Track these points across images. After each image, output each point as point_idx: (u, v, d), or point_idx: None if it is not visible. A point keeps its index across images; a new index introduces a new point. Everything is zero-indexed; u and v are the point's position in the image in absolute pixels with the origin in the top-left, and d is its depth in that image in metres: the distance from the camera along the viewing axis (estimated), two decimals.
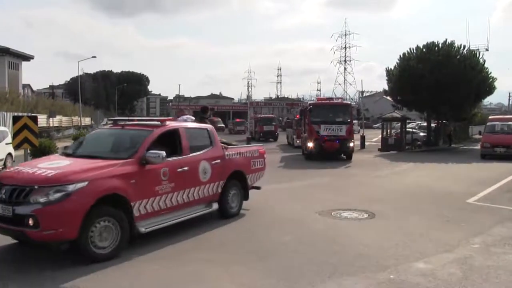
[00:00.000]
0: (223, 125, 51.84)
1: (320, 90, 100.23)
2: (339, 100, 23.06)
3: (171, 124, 6.87)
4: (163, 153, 5.88)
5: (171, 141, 6.66)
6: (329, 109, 19.68)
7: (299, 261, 5.34)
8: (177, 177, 6.32)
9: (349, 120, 19.22)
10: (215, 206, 7.28)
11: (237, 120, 51.97)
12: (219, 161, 7.28)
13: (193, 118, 8.26)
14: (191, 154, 6.74)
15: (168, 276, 4.87)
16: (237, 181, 7.84)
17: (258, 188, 8.61)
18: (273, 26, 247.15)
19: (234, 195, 7.75)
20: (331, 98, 23.31)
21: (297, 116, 25.16)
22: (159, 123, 6.74)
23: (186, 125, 7.32)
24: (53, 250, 5.24)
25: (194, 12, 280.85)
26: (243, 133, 48.12)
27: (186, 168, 6.50)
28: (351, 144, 18.79)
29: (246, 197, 8.11)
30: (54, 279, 4.70)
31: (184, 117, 8.16)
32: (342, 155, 19.14)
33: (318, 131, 18.55)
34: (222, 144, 7.75)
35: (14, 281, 4.69)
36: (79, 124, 42.56)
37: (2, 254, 5.77)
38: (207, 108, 9.64)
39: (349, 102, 22.36)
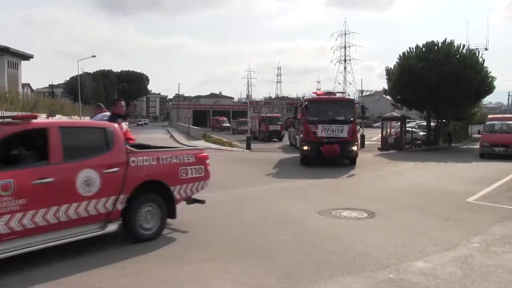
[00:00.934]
0: (228, 125, 51.80)
1: (319, 90, 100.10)
2: (341, 95, 19.84)
3: (37, 122, 5.51)
4: None
5: (35, 145, 5.48)
6: (328, 106, 16.92)
7: (299, 260, 5.34)
8: (33, 191, 4.88)
9: (352, 119, 16.35)
10: (112, 226, 5.69)
11: (240, 119, 50.19)
12: (117, 169, 5.67)
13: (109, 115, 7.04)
14: (65, 161, 5.25)
15: (169, 275, 4.87)
16: (156, 194, 6.22)
17: (201, 202, 6.96)
18: (273, 25, 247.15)
19: (148, 213, 6.09)
20: (332, 93, 19.28)
21: (300, 115, 20.49)
22: (18, 120, 5.45)
23: (63, 123, 6.14)
24: None
25: (195, 11, 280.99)
26: (226, 129, 48.04)
27: (50, 179, 5.02)
28: (355, 148, 16.14)
29: (172, 214, 6.40)
30: (49, 276, 4.71)
31: (100, 115, 7.19)
32: (345, 160, 16.59)
33: (315, 132, 15.88)
34: (134, 149, 6.16)
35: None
36: None
37: None
38: (118, 103, 7.30)
39: (352, 98, 18.49)
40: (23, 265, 4.99)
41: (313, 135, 15.88)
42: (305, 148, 16.21)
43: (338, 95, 19.32)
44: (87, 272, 4.87)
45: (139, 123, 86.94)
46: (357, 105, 17.43)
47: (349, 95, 26.91)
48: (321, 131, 15.69)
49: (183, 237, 6.41)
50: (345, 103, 17.45)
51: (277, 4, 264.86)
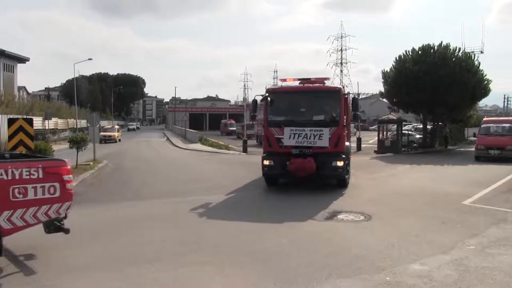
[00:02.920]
0: (234, 129, 51.66)
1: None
2: (323, 83, 12.49)
3: None
4: None
5: None
6: (301, 100, 11.65)
7: (296, 263, 5.33)
8: None
9: (337, 119, 10.90)
10: None
11: (231, 121, 51.09)
12: None
13: None
14: None
15: (165, 278, 4.84)
16: None
17: (65, 231, 5.47)
18: (270, 28, 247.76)
19: None
20: (308, 80, 12.49)
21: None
22: None
23: None
24: None
25: (191, 14, 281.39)
26: (234, 134, 47.80)
27: None
28: (341, 163, 10.66)
29: None
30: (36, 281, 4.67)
31: None
32: (332, 181, 11.50)
33: (279, 139, 10.89)
34: None
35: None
36: (75, 127, 42.44)
37: None
38: None
39: (338, 87, 12.45)
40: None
41: (277, 144, 10.90)
42: (266, 162, 11.09)
43: (318, 82, 12.36)
44: None
45: (130, 127, 76.47)
46: (347, 97, 11.91)
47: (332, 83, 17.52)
48: (289, 138, 10.61)
49: (178, 240, 6.38)
50: (328, 95, 11.47)
51: (274, 7, 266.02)
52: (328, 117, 10.96)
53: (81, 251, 5.80)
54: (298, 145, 10.60)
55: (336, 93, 11.36)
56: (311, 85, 12.07)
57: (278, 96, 11.71)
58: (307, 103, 11.49)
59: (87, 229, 6.86)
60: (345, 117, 11.18)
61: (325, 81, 12.57)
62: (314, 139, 10.51)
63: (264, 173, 11.43)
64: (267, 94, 11.61)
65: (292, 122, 10.88)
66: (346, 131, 11.60)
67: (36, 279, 4.79)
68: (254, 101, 12.48)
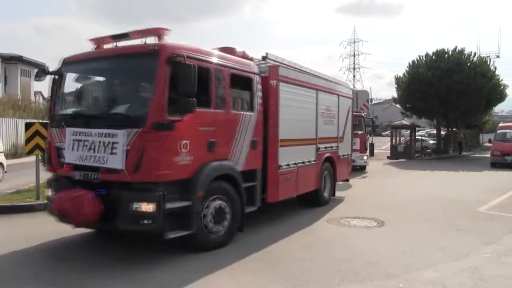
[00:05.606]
0: None
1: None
2: (142, 41, 6.02)
3: None
4: None
5: None
6: (99, 74, 6.65)
7: (307, 269, 5.31)
8: None
9: (143, 111, 5.30)
10: None
11: None
12: None
13: None
14: None
15: (176, 283, 4.86)
16: None
17: None
18: (282, 33, 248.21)
19: None
20: (123, 35, 6.21)
21: None
22: None
23: None
24: None
25: (204, 19, 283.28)
26: None
27: None
28: (147, 205, 5.11)
29: None
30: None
31: None
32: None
33: (60, 150, 5.98)
34: None
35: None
36: None
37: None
38: None
39: (158, 45, 5.55)
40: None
41: (57, 159, 6.08)
42: (47, 192, 6.36)
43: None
44: None
45: None
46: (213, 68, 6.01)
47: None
48: (71, 148, 5.74)
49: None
50: (137, 64, 5.76)
51: (287, 11, 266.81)
52: (131, 109, 5.57)
53: None
54: (80, 163, 5.61)
55: (151, 58, 5.37)
56: (114, 48, 6.28)
57: (70, 71, 6.46)
58: (106, 81, 6.68)
59: None
60: (164, 101, 5.24)
61: (160, 36, 5.80)
62: (103, 152, 5.38)
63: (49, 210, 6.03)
64: (59, 69, 6.45)
65: (76, 119, 6.02)
66: (189, 136, 5.53)
67: None
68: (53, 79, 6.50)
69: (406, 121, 26.67)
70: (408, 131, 25.90)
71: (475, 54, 27.06)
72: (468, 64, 25.77)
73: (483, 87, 24.70)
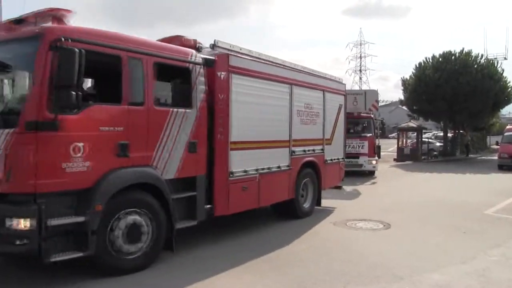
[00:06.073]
0: None
1: None
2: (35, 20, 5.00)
3: None
4: None
5: None
6: None
7: (313, 271, 5.32)
8: None
9: (17, 106, 4.61)
10: None
11: None
12: None
13: None
14: None
15: (182, 285, 4.88)
16: None
17: None
18: (289, 35, 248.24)
19: None
20: (18, 21, 5.05)
21: None
22: None
23: None
24: None
25: (211, 21, 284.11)
26: None
27: None
28: (23, 223, 4.22)
29: None
30: None
31: None
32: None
33: None
34: None
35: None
36: None
37: None
38: None
39: (43, 28, 4.61)
40: None
41: None
42: None
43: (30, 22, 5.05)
44: None
45: None
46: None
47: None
48: None
49: (194, 246, 6.44)
50: (20, 50, 4.79)
51: (293, 13, 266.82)
52: (8, 106, 4.96)
53: None
54: None
55: (33, 43, 4.51)
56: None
57: None
58: None
59: None
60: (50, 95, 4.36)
61: (59, 19, 4.97)
62: None
63: None
64: None
65: None
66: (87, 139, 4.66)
67: None
68: None
69: (412, 123, 26.57)
70: (415, 133, 25.79)
71: (482, 56, 26.94)
72: (475, 66, 25.63)
73: (490, 89, 24.55)
